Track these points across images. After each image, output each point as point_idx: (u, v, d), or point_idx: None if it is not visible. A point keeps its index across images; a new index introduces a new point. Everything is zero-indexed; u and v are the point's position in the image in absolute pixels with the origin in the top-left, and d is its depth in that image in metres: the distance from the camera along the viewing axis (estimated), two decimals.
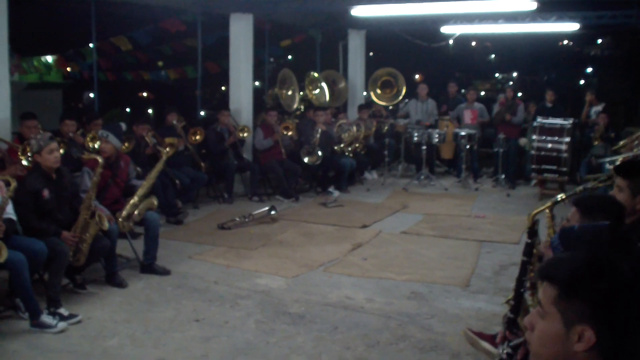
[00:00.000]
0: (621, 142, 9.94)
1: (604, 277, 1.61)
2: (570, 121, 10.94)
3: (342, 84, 14.35)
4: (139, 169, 8.04)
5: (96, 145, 7.51)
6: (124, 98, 21.62)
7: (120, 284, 6.37)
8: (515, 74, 32.50)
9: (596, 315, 1.58)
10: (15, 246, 5.26)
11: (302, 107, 13.09)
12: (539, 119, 11.08)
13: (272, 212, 9.28)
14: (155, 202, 6.97)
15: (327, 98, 13.23)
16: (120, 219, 6.61)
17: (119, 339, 5.16)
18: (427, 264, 7.29)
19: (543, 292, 1.70)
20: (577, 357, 1.60)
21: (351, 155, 11.96)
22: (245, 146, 11.27)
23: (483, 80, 31.37)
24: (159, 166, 7.28)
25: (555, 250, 2.74)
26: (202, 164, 10.20)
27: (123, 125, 8.11)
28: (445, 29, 13.61)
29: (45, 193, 5.80)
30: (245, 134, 10.84)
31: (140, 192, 6.86)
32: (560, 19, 12.28)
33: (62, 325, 5.27)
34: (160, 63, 17.46)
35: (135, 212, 6.76)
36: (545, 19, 12.26)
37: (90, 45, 12.29)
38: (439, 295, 6.24)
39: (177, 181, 9.22)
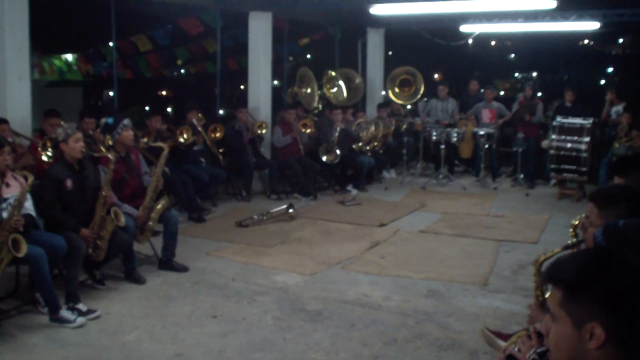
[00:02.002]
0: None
1: (607, 271, 1.60)
2: (590, 120, 10.84)
3: (357, 80, 14.31)
4: (166, 169, 8.00)
5: (110, 143, 7.42)
6: (143, 96, 21.76)
7: (139, 280, 6.42)
8: (535, 74, 32.31)
9: (602, 310, 1.57)
10: (36, 241, 5.32)
11: (320, 105, 13.09)
12: (559, 118, 11.00)
13: (290, 210, 9.28)
14: (167, 202, 6.91)
15: (345, 96, 13.21)
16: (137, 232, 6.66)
17: (137, 334, 5.20)
18: (445, 262, 7.27)
19: (550, 296, 1.70)
20: (593, 355, 1.60)
21: (369, 153, 11.94)
22: (264, 144, 11.29)
23: (502, 79, 31.22)
24: (162, 161, 7.05)
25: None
26: (221, 157, 10.23)
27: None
28: (464, 28, 13.57)
29: (69, 183, 5.89)
30: (264, 131, 10.85)
31: (148, 198, 6.76)
32: (581, 17, 12.19)
33: (80, 320, 5.32)
34: (179, 61, 17.53)
35: (150, 223, 6.74)
36: (565, 18, 12.18)
37: (110, 44, 12.36)
38: (456, 293, 6.22)
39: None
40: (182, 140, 9.16)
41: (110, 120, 7.26)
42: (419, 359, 4.80)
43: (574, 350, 1.63)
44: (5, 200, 5.34)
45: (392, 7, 10.85)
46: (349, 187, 11.40)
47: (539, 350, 2.13)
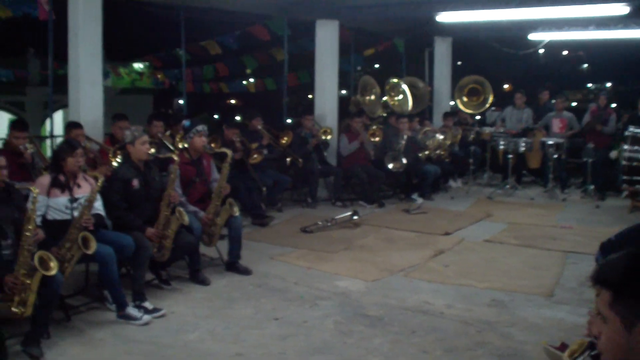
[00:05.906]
0: None
1: None
2: None
3: (421, 85, 14.19)
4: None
5: (185, 146, 7.51)
6: (212, 105, 22.14)
7: (203, 282, 6.53)
8: (609, 84, 31.50)
9: None
10: (105, 240, 5.49)
11: (384, 113, 13.08)
12: (631, 128, 10.68)
13: (355, 217, 9.30)
14: (235, 209, 6.94)
15: (410, 105, 13.16)
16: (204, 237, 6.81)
17: (200, 333, 5.29)
18: (509, 272, 7.15)
19: (600, 298, 1.67)
20: None
21: (435, 161, 11.87)
22: (329, 151, 11.35)
23: (574, 90, 30.53)
24: (225, 171, 7.03)
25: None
26: (300, 160, 10.38)
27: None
28: (533, 36, 13.34)
29: (135, 183, 6.09)
30: (329, 136, 10.92)
31: (213, 203, 6.89)
32: None
33: (146, 318, 5.45)
34: (248, 70, 17.79)
35: (213, 228, 6.85)
36: (639, 25, 11.83)
37: (180, 53, 12.66)
38: (520, 303, 6.11)
39: (264, 188, 9.38)
40: (251, 161, 9.37)
41: (187, 123, 7.44)
42: None
43: (625, 351, 1.60)
44: (76, 200, 5.55)
45: (459, 15, 10.77)
46: (414, 196, 11.31)
47: (592, 353, 2.10)
